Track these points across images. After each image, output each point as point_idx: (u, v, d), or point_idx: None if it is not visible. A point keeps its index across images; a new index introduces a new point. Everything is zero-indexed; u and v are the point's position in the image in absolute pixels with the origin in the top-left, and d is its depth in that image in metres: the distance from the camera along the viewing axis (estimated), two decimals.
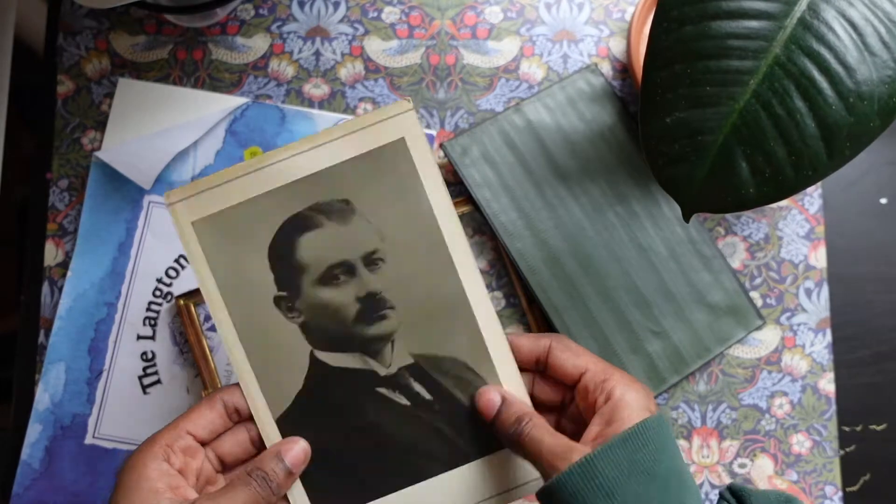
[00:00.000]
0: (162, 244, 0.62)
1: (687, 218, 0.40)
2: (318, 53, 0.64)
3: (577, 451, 0.41)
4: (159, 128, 0.62)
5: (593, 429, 0.43)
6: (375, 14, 0.65)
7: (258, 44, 0.64)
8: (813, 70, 0.37)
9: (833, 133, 0.37)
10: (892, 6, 0.37)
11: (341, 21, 0.65)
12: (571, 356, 0.46)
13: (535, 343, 0.47)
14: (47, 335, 0.60)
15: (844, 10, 0.37)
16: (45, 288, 0.61)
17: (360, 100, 0.64)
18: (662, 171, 0.39)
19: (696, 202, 0.40)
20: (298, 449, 0.45)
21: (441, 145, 0.61)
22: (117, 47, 0.64)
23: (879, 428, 0.61)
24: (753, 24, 0.37)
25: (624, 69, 0.65)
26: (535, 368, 0.47)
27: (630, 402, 0.42)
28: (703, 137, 0.38)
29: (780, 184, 0.38)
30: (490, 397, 0.46)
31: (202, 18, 0.63)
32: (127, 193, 0.62)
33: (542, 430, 0.43)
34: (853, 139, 0.37)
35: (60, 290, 0.61)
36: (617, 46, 0.65)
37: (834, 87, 0.37)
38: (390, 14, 0.65)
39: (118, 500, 0.41)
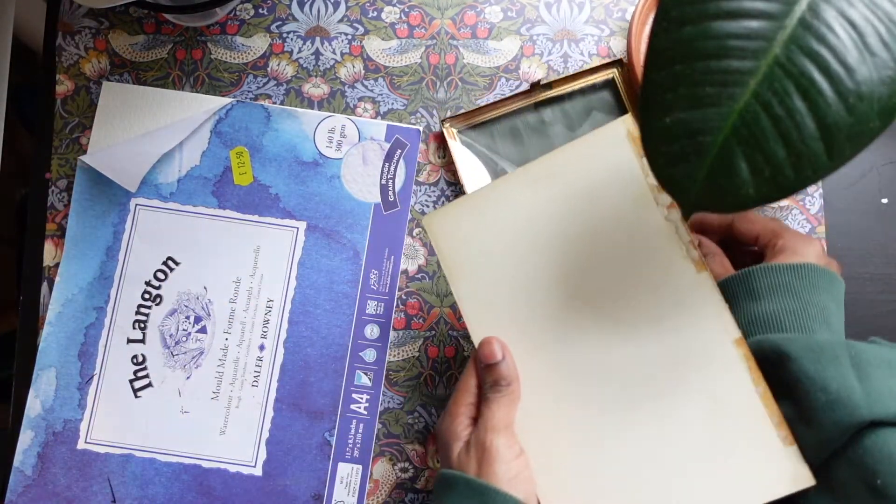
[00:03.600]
0: (149, 247, 0.61)
1: (687, 217, 0.40)
2: (317, 53, 0.64)
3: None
4: (144, 130, 0.62)
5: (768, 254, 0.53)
6: (375, 14, 0.65)
7: (258, 43, 0.64)
8: (813, 70, 0.37)
9: (833, 133, 0.37)
10: (893, 6, 0.37)
11: (341, 21, 0.64)
12: (746, 224, 0.55)
13: (720, 220, 0.56)
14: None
15: (845, 10, 0.37)
16: (45, 288, 0.61)
17: (360, 99, 0.64)
18: (662, 170, 0.39)
19: (696, 202, 0.40)
20: (496, 347, 0.50)
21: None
22: (116, 47, 0.64)
23: None
24: (753, 24, 0.37)
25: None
26: (723, 234, 0.57)
27: (793, 246, 0.51)
28: (703, 137, 0.38)
29: (780, 184, 0.38)
30: None
31: (201, 18, 0.63)
32: (113, 197, 0.62)
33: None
34: (853, 139, 0.37)
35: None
36: (617, 46, 0.65)
37: (834, 88, 0.37)
38: (390, 14, 0.65)
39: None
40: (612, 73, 0.63)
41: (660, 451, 0.49)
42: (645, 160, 0.46)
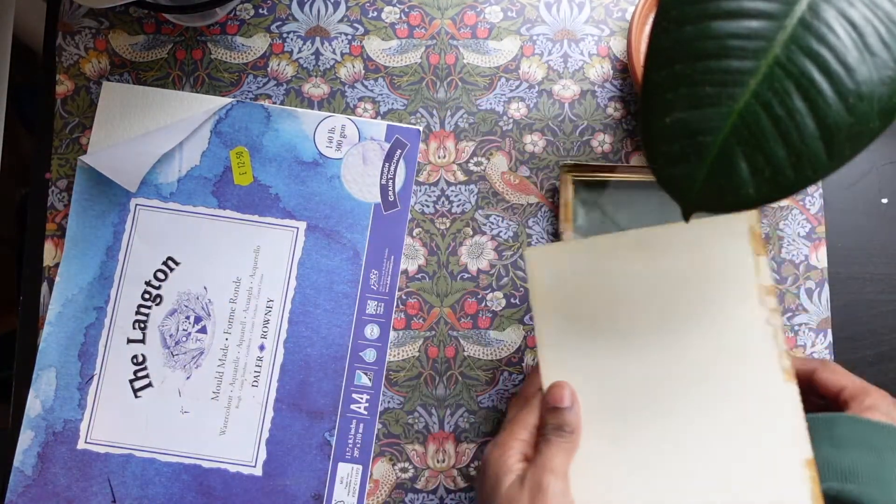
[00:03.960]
0: (149, 247, 0.61)
1: (687, 217, 0.40)
2: (317, 53, 0.64)
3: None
4: (144, 130, 0.62)
5: None
6: (375, 14, 0.65)
7: (258, 43, 0.64)
8: (813, 70, 0.37)
9: (833, 133, 0.37)
10: (893, 6, 0.37)
11: (341, 21, 0.64)
12: (832, 375, 0.52)
13: (803, 363, 0.53)
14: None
15: (845, 10, 0.37)
16: (45, 288, 0.61)
17: (360, 99, 0.64)
18: (662, 171, 0.39)
19: (696, 202, 0.40)
20: (567, 393, 0.50)
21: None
22: (116, 47, 0.64)
23: None
24: (753, 24, 0.37)
25: (624, 68, 0.64)
26: (801, 385, 0.51)
27: (882, 407, 0.49)
28: (703, 137, 0.38)
29: (780, 184, 0.38)
30: None
31: (201, 18, 0.63)
32: (113, 197, 0.62)
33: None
34: (853, 139, 0.37)
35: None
36: (617, 46, 0.65)
37: (834, 88, 0.37)
38: (390, 14, 0.65)
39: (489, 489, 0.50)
40: None
41: None
42: (762, 259, 0.50)
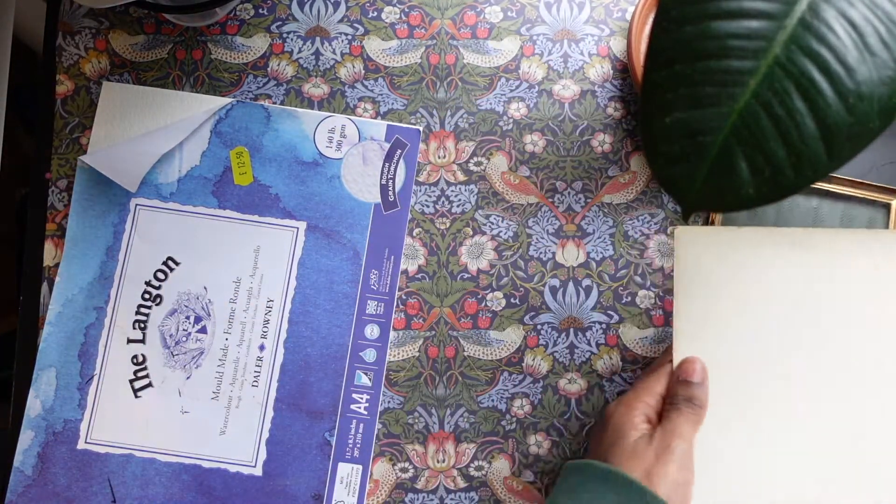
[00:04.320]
0: (149, 247, 0.61)
1: (687, 217, 0.40)
2: (317, 53, 0.64)
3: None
4: (144, 130, 0.62)
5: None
6: (375, 14, 0.65)
7: (258, 43, 0.64)
8: (813, 70, 0.37)
9: (833, 133, 0.37)
10: (893, 6, 0.37)
11: (341, 21, 0.64)
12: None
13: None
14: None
15: (845, 10, 0.37)
16: (45, 288, 0.61)
17: (360, 99, 0.64)
18: (662, 170, 0.39)
19: (696, 202, 0.40)
20: (699, 368, 0.53)
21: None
22: (116, 47, 0.64)
23: None
24: (753, 24, 0.37)
25: (624, 68, 0.64)
26: None
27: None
28: (703, 137, 0.38)
29: (780, 184, 0.38)
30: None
31: (201, 18, 0.63)
32: (113, 197, 0.62)
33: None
34: (853, 139, 0.37)
35: None
36: (617, 46, 0.65)
37: (834, 88, 0.37)
38: (390, 14, 0.65)
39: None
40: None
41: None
42: None
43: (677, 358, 0.53)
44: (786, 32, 0.37)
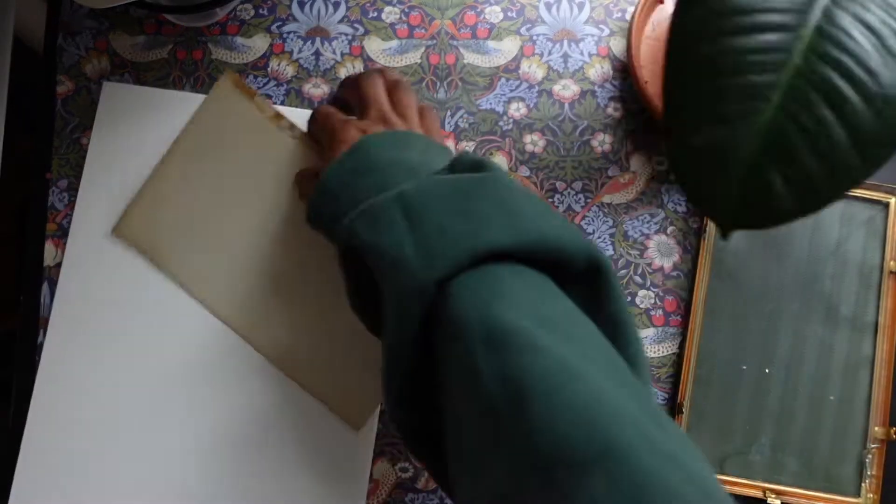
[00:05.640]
0: None
1: (725, 235, 0.39)
2: (317, 53, 0.64)
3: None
4: (145, 131, 0.62)
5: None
6: (375, 14, 0.65)
7: (258, 44, 0.64)
8: (836, 77, 0.36)
9: (863, 139, 0.36)
10: None
11: (341, 21, 0.64)
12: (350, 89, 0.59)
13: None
14: (46, 335, 0.60)
15: (860, 14, 0.36)
16: (45, 288, 0.61)
17: None
18: (694, 191, 0.39)
19: (733, 220, 0.39)
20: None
21: None
22: (117, 47, 0.64)
23: None
24: (770, 37, 0.36)
25: (624, 68, 0.65)
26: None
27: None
28: (731, 154, 0.37)
29: (816, 194, 0.37)
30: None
31: (202, 18, 0.63)
32: None
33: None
34: (884, 143, 0.36)
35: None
36: (617, 46, 0.65)
37: (859, 93, 0.36)
38: (390, 14, 0.65)
39: None
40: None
41: None
42: (257, 99, 0.61)
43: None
44: (804, 42, 0.36)
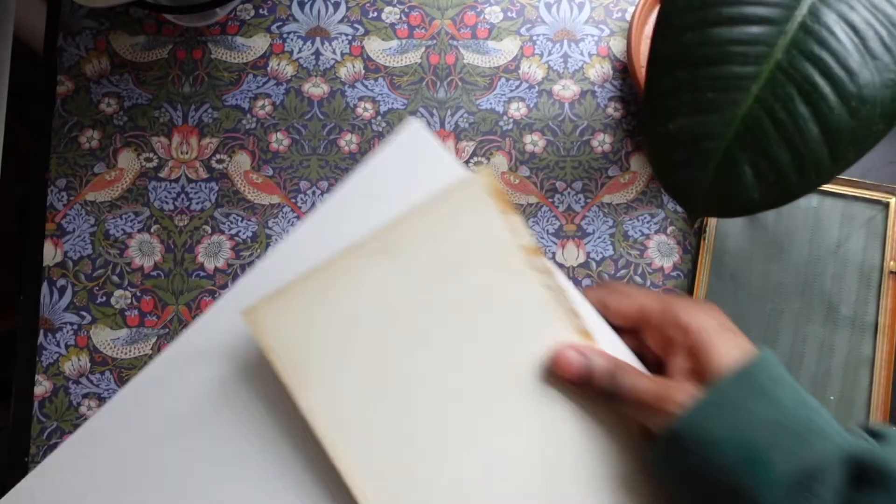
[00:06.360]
0: None
1: (693, 222, 0.41)
2: (317, 53, 0.64)
3: (682, 390, 0.37)
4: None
5: (679, 362, 0.39)
6: (375, 14, 0.65)
7: (258, 44, 0.64)
8: (815, 74, 0.37)
9: (836, 137, 0.37)
10: (894, 9, 0.37)
11: (341, 21, 0.64)
12: (624, 297, 0.42)
13: (596, 293, 0.43)
14: (46, 335, 0.60)
15: (845, 13, 0.37)
16: (45, 288, 0.61)
17: (360, 99, 0.64)
18: (667, 176, 0.39)
19: (701, 207, 0.40)
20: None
21: None
22: (117, 47, 0.64)
23: None
24: (754, 29, 0.37)
25: (624, 69, 0.65)
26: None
27: (708, 328, 0.38)
28: (706, 143, 0.38)
29: (785, 188, 0.38)
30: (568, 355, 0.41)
31: (202, 18, 0.63)
32: None
33: (636, 376, 0.39)
34: (856, 143, 0.37)
35: (60, 290, 0.61)
36: (617, 46, 0.65)
37: (836, 92, 0.37)
38: (390, 14, 0.65)
39: None
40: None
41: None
42: (512, 217, 0.41)
43: (353, 485, 0.40)
44: (787, 37, 0.37)
